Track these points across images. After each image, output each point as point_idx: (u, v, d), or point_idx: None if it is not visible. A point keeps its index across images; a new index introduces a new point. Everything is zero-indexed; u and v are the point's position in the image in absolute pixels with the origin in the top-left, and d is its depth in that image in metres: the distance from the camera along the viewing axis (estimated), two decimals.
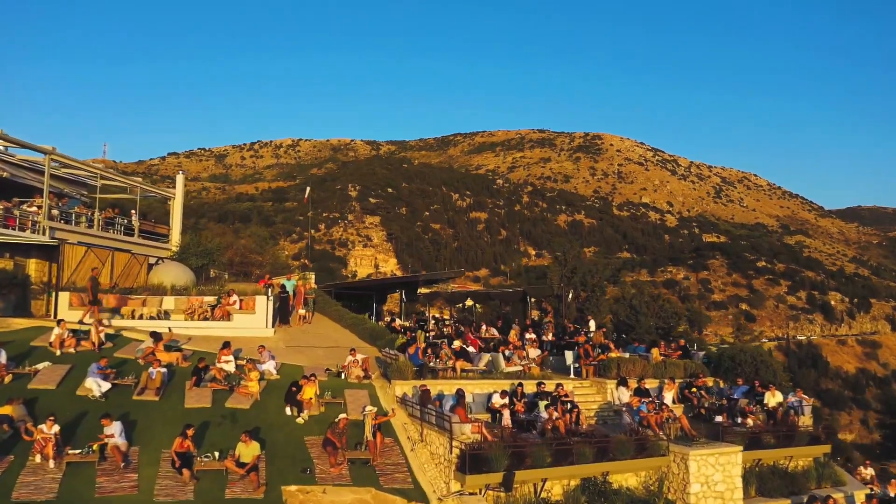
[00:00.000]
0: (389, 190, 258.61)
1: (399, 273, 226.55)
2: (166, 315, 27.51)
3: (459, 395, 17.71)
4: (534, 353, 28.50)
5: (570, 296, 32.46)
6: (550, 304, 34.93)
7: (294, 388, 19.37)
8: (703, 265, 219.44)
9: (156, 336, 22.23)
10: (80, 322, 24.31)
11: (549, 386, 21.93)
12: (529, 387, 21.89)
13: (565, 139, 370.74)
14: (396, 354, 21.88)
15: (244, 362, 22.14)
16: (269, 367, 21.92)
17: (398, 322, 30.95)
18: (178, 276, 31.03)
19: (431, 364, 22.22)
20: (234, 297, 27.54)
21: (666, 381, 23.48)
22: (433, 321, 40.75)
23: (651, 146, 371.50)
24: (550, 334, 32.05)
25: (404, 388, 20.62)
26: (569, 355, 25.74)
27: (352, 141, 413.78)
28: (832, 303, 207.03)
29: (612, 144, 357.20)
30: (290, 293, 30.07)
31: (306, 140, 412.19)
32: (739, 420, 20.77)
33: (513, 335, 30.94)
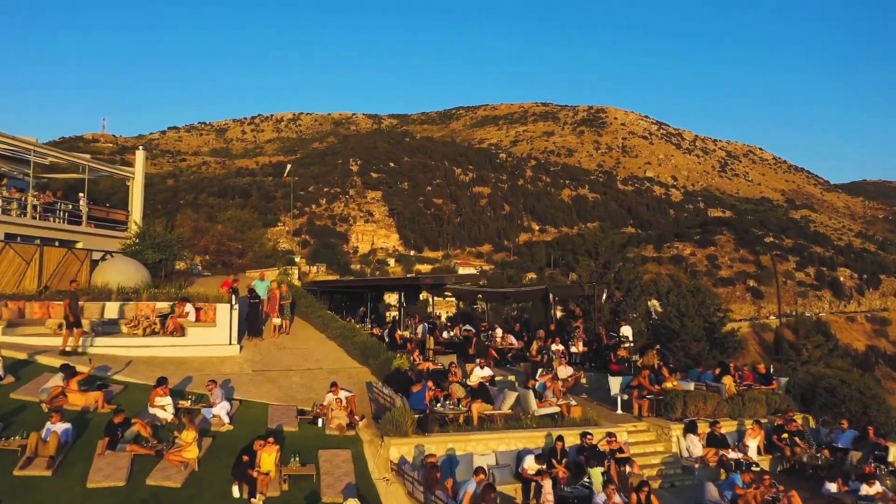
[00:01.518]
0: (391, 164, 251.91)
1: (401, 249, 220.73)
2: (107, 327, 21.61)
3: (485, 487, 11.77)
4: (564, 372, 22.66)
5: (605, 296, 26.46)
6: (579, 305, 29.04)
7: (245, 458, 13.47)
8: (709, 241, 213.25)
9: (67, 371, 16.27)
10: (62, 353, 18.67)
11: (597, 435, 16.08)
12: (570, 437, 16.03)
13: (569, 113, 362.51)
14: (391, 398, 15.92)
15: (188, 404, 16.30)
16: (221, 411, 16.04)
17: (399, 333, 25.01)
18: (127, 276, 25.06)
19: (440, 407, 16.34)
20: (189, 307, 21.58)
21: (749, 424, 17.58)
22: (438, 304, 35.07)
23: (656, 119, 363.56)
24: (580, 344, 26.16)
25: (402, 448, 14.73)
26: (614, 382, 19.80)
27: (353, 115, 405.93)
28: (841, 279, 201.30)
29: (616, 118, 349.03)
30: (264, 297, 24.11)
31: (307, 114, 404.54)
32: (861, 490, 14.91)
33: (536, 348, 25.06)
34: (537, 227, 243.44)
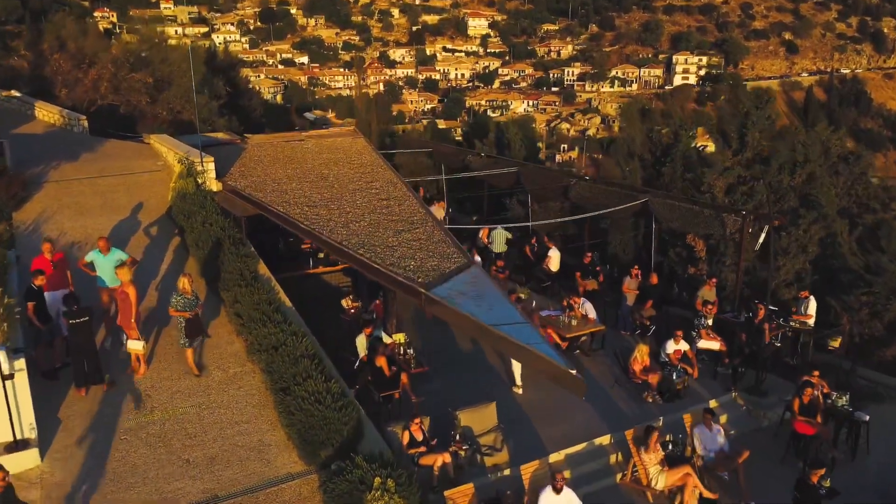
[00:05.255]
0: None
1: None
2: None
3: None
4: (707, 440, 11.13)
5: (763, 235, 13.29)
6: (702, 238, 16.03)
7: None
8: None
9: None
10: None
11: None
12: None
13: None
14: None
15: None
16: None
17: (382, 355, 12.51)
18: None
19: None
20: None
21: None
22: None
23: None
24: (713, 338, 14.07)
25: None
26: None
27: None
28: (885, 30, 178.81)
29: None
30: (110, 285, 11.76)
31: None
32: None
33: (642, 355, 13.17)
34: None
